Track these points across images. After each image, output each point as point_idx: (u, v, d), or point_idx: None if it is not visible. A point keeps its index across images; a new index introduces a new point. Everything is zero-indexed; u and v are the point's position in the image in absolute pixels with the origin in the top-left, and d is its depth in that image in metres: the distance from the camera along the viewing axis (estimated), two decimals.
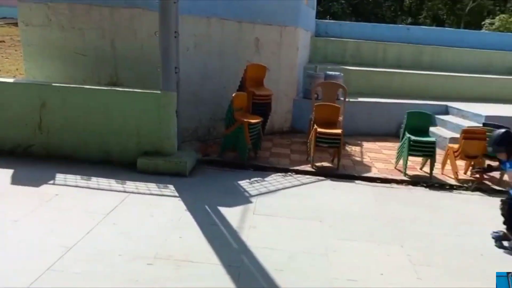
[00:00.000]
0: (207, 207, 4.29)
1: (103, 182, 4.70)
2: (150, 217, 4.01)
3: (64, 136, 5.36)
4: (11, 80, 6.11)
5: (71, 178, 4.73)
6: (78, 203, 4.18)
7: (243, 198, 4.61)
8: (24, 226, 3.65)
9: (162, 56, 5.15)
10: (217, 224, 3.97)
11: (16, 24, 10.42)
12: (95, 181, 4.71)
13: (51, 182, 4.61)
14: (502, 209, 3.91)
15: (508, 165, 3.77)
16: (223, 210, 4.24)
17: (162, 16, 5.08)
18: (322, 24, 11.91)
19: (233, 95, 5.76)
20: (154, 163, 5.14)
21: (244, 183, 5.04)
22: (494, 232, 4.01)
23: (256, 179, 5.21)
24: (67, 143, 5.37)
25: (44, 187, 4.48)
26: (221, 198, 4.56)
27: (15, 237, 3.49)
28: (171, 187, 4.73)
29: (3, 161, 5.09)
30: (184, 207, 4.25)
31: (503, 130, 3.82)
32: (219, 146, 6.02)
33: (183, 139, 6.01)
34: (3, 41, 13.14)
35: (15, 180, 4.64)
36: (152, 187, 4.69)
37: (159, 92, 5.18)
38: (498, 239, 3.97)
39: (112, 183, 4.70)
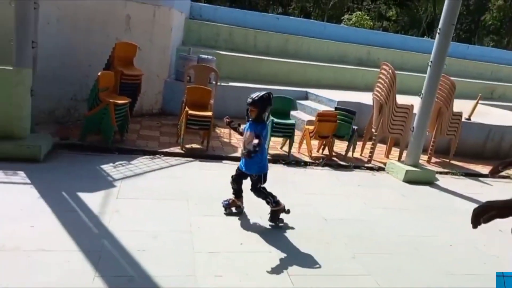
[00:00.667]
0: (64, 193, 4.01)
1: None
2: None
3: None
4: None
5: None
6: None
7: (105, 183, 4.43)
8: None
9: (17, 28, 4.56)
10: (75, 210, 3.76)
11: None
12: None
13: None
14: (232, 182, 4.12)
15: (248, 124, 3.91)
16: (83, 195, 4.02)
17: None
18: (196, 7, 11.85)
19: (99, 74, 5.42)
20: (2, 148, 4.58)
21: (107, 167, 4.84)
22: (224, 200, 4.20)
23: (121, 162, 5.03)
24: None
25: None
26: (81, 183, 4.31)
27: None
28: (22, 173, 4.29)
29: None
30: (37, 195, 3.91)
31: (268, 93, 3.84)
32: (80, 129, 5.63)
33: (38, 121, 5.48)
34: None
35: None
36: None
37: (11, 68, 4.59)
38: (227, 206, 4.18)
39: None
